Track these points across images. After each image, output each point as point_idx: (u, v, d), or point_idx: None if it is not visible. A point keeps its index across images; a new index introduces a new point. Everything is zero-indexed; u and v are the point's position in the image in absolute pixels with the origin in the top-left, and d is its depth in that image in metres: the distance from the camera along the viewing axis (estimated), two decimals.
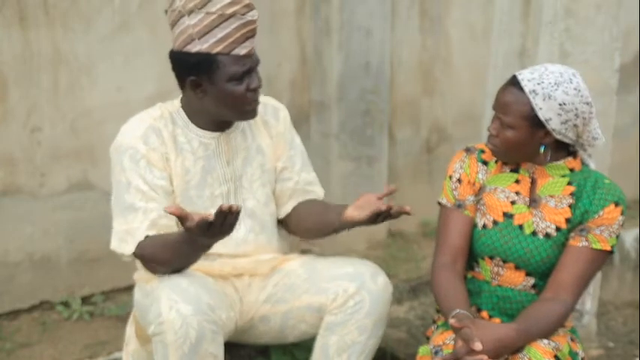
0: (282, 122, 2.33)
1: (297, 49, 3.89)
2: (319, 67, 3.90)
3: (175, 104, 2.22)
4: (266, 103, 2.33)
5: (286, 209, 2.34)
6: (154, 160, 2.12)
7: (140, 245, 2.07)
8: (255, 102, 2.15)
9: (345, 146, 3.96)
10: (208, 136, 2.21)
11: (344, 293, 2.14)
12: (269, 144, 2.30)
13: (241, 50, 2.06)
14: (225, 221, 1.84)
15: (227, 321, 2.07)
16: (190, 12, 2.04)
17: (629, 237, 3.62)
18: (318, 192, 2.37)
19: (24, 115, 3.17)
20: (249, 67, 2.09)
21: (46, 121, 3.22)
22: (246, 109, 2.14)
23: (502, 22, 2.84)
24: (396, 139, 4.27)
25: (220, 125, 2.21)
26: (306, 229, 2.31)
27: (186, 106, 2.21)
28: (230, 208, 1.81)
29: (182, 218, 1.83)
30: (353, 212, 2.08)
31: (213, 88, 2.09)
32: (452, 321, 1.90)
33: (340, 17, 3.81)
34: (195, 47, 2.06)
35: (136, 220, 2.08)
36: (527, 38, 2.77)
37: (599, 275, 3.00)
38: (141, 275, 2.21)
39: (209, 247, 2.00)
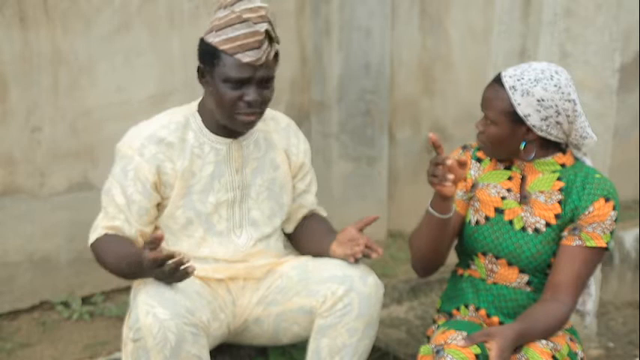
0: (303, 143, 2.37)
1: (297, 49, 3.89)
2: (319, 67, 3.90)
3: (193, 107, 2.25)
4: (289, 123, 2.38)
5: (294, 225, 2.42)
6: (144, 173, 2.16)
7: (97, 240, 2.18)
8: (248, 114, 2.12)
9: (345, 146, 3.96)
10: (221, 142, 2.21)
11: (332, 296, 2.13)
12: (284, 160, 2.31)
13: (244, 57, 2.05)
14: (175, 272, 1.97)
15: (211, 323, 2.08)
16: (225, 7, 2.09)
17: (629, 237, 3.62)
18: (321, 211, 2.47)
19: (24, 115, 3.17)
20: (247, 76, 2.07)
21: (46, 121, 3.22)
22: (235, 117, 2.12)
23: (502, 22, 2.84)
24: (396, 139, 4.27)
25: (233, 132, 2.21)
26: (304, 249, 2.39)
27: (201, 109, 2.22)
28: (187, 268, 1.96)
29: (153, 242, 1.94)
30: (336, 249, 2.23)
31: (212, 82, 2.12)
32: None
33: (340, 17, 3.81)
34: (210, 38, 2.10)
35: (102, 222, 2.20)
36: (527, 38, 2.77)
37: (599, 276, 3.00)
38: None
39: (143, 277, 2.08)
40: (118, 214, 2.17)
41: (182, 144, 2.18)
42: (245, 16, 2.05)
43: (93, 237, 2.20)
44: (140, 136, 2.18)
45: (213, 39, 2.08)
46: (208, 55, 2.10)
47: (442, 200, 2.00)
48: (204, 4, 3.44)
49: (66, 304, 3.32)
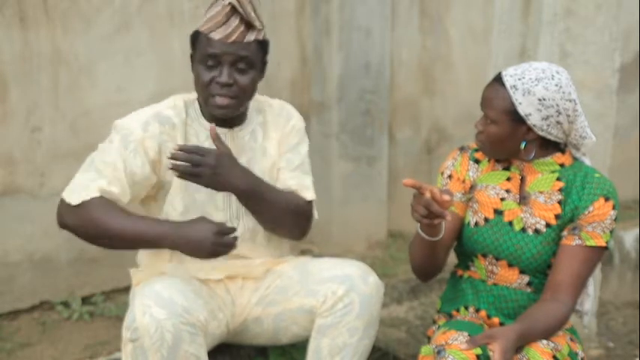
0: (290, 127, 2.32)
1: (297, 49, 3.89)
2: (319, 67, 3.91)
3: (192, 95, 2.24)
4: (284, 106, 2.35)
5: None
6: (146, 147, 2.12)
7: (93, 200, 2.05)
8: (222, 97, 2.11)
9: (345, 146, 3.97)
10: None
11: (333, 295, 2.13)
12: (274, 145, 2.29)
13: (215, 35, 2.08)
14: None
15: (209, 322, 2.07)
16: None
17: (629, 237, 3.63)
18: (305, 195, 2.29)
19: (24, 115, 3.17)
20: (219, 54, 2.08)
21: (46, 121, 3.22)
22: (210, 100, 2.13)
23: (502, 22, 2.84)
24: (396, 139, 4.27)
25: (229, 122, 2.21)
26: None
27: (199, 98, 2.22)
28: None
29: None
30: None
31: (194, 67, 2.15)
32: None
33: (340, 17, 3.81)
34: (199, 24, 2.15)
35: (96, 183, 2.08)
36: (527, 38, 2.77)
37: (599, 276, 3.00)
38: (134, 275, 2.25)
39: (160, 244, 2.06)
40: (115, 180, 2.09)
41: (183, 127, 2.18)
42: None
43: (84, 195, 2.06)
44: (145, 113, 2.17)
45: (199, 23, 2.13)
46: (193, 40, 2.15)
47: (431, 227, 1.99)
48: (204, 4, 3.42)
49: (66, 304, 3.32)
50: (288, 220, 2.24)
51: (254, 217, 2.21)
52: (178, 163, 2.00)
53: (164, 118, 2.16)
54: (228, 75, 2.09)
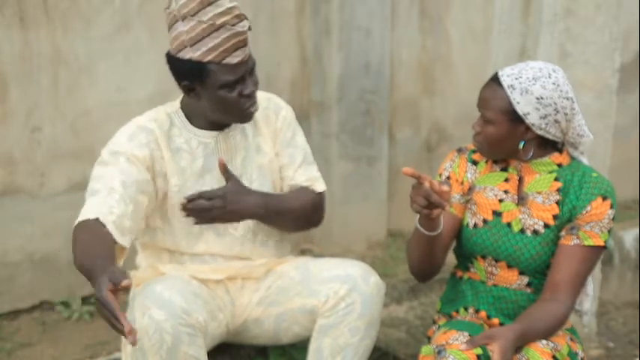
0: (281, 120, 2.31)
1: (297, 49, 3.89)
2: (319, 67, 3.91)
3: (175, 105, 2.23)
4: (270, 98, 2.33)
5: None
6: (138, 158, 2.10)
7: (77, 225, 2.00)
8: (251, 105, 2.14)
9: (345, 146, 3.97)
10: (207, 136, 2.20)
11: (335, 295, 2.13)
12: (267, 141, 2.29)
13: (233, 59, 2.05)
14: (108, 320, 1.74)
15: (209, 323, 2.07)
16: (184, 18, 2.04)
17: (629, 237, 3.62)
18: (316, 188, 2.32)
19: (24, 115, 3.17)
20: (241, 74, 2.08)
21: (46, 121, 3.22)
22: (241, 113, 2.14)
23: (502, 22, 2.84)
24: (396, 139, 4.27)
25: (219, 125, 2.21)
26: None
27: (185, 107, 2.21)
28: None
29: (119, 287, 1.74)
30: None
31: (206, 94, 2.10)
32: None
33: (340, 17, 3.81)
34: (187, 54, 2.05)
35: (90, 202, 2.04)
36: (527, 38, 2.77)
37: (599, 276, 3.00)
38: (134, 277, 2.24)
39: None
40: (111, 192, 2.02)
41: (168, 140, 2.17)
42: (219, 22, 2.01)
43: (76, 222, 2.03)
44: (128, 128, 2.15)
45: (192, 54, 2.04)
46: (194, 71, 2.07)
47: (429, 220, 1.99)
48: None
49: (66, 304, 3.32)
50: (304, 219, 2.30)
51: (272, 227, 2.26)
52: (190, 207, 2.09)
53: (148, 130, 2.14)
54: (252, 83, 2.12)
